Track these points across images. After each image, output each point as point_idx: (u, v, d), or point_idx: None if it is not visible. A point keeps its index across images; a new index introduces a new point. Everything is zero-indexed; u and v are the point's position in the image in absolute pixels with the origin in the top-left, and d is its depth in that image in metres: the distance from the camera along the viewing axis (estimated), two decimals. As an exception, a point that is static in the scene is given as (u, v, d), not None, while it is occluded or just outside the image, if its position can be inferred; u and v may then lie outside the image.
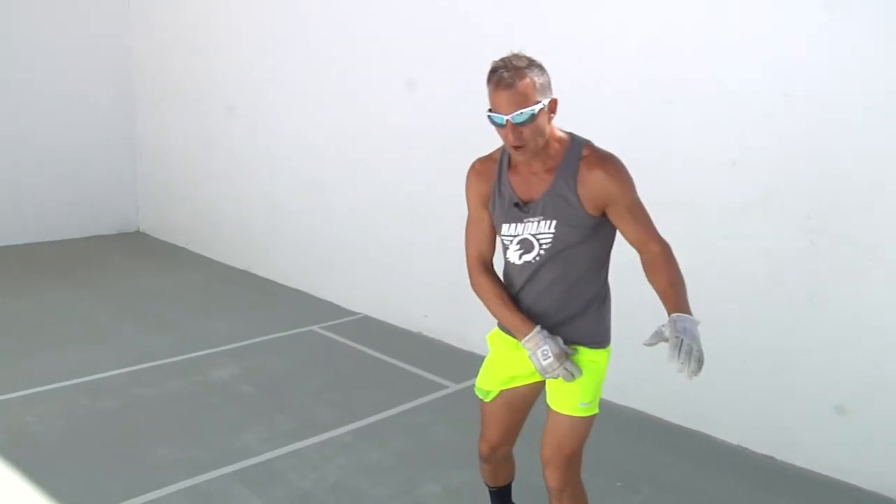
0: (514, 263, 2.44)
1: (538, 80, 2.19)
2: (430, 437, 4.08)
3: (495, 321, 2.60)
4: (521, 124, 2.18)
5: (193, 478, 3.55)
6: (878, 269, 3.47)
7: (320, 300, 6.58)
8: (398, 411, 4.37)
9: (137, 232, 9.40)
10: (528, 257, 2.40)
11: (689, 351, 2.00)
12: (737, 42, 3.80)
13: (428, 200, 5.51)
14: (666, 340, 2.06)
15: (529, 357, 2.36)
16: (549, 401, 2.52)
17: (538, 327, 2.37)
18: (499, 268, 2.57)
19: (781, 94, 3.65)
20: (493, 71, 2.20)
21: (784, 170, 3.70)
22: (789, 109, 3.64)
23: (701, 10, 3.92)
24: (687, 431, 4.19)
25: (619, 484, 3.61)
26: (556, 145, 2.32)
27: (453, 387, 4.74)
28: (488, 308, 2.52)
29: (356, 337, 5.66)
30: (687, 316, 2.12)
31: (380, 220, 5.99)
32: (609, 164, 2.30)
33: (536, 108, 2.17)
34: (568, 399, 2.45)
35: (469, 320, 5.12)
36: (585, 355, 2.45)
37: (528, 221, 2.36)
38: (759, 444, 3.96)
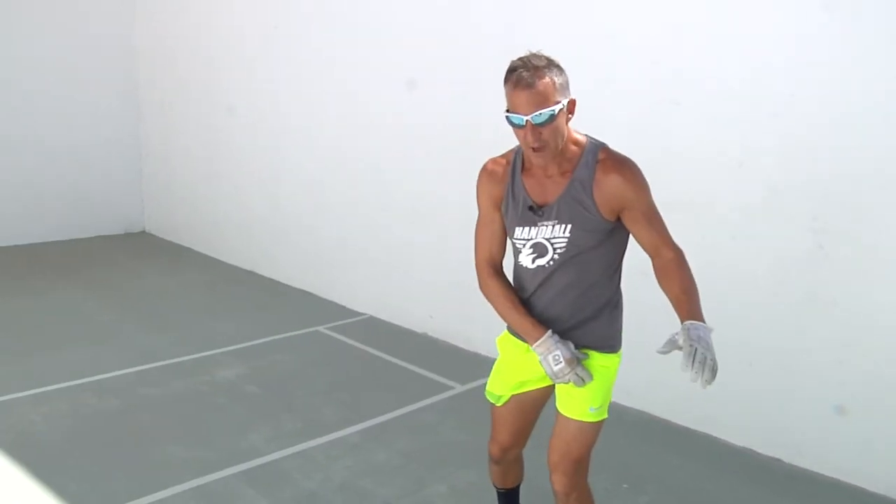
0: (526, 267, 2.42)
1: (557, 79, 2.15)
2: (436, 438, 4.09)
3: (503, 323, 2.58)
4: (541, 125, 2.14)
5: (199, 478, 3.56)
6: (883, 271, 3.46)
7: (325, 301, 6.58)
8: (404, 412, 4.37)
9: (143, 232, 9.41)
10: (542, 261, 2.37)
11: (702, 360, 1.98)
12: (743, 42, 3.80)
13: (431, 200, 5.52)
14: (680, 349, 2.04)
15: (540, 362, 2.34)
16: (558, 405, 2.51)
17: (549, 332, 2.34)
18: (507, 271, 2.56)
19: (788, 95, 3.65)
20: (512, 70, 2.16)
21: (790, 171, 3.70)
22: (796, 110, 3.63)
23: (705, 10, 3.92)
24: (693, 433, 4.19)
25: (625, 485, 3.61)
26: (574, 148, 2.29)
27: (459, 387, 4.74)
28: (498, 311, 2.49)
29: (362, 338, 5.66)
30: (700, 324, 2.10)
31: (384, 220, 5.99)
32: (626, 168, 2.28)
33: (556, 108, 2.14)
34: (577, 404, 2.43)
35: (474, 321, 5.13)
36: (596, 360, 2.44)
37: (542, 225, 2.33)
38: (765, 445, 3.95)
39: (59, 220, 8.61)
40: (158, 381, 4.71)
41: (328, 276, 6.63)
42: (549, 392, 2.60)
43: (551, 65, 2.16)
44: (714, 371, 1.98)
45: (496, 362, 2.67)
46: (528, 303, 2.47)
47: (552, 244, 2.34)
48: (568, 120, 2.24)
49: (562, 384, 2.44)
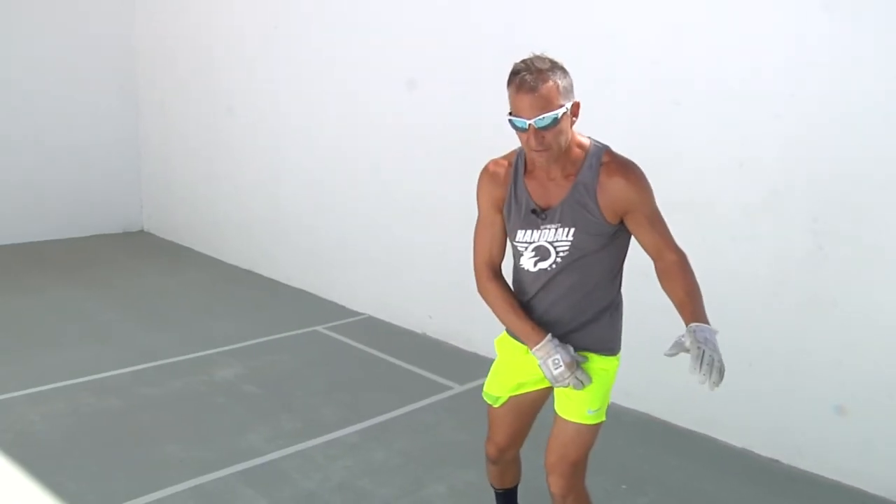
0: (528, 270, 2.40)
1: (561, 82, 2.13)
2: (435, 438, 4.08)
3: (502, 325, 2.57)
4: (544, 129, 2.13)
5: (198, 477, 3.55)
6: (884, 271, 3.46)
7: (324, 300, 6.58)
8: (403, 412, 4.36)
9: (141, 231, 9.40)
10: (544, 265, 2.36)
11: (710, 362, 1.97)
12: (743, 42, 3.79)
13: (430, 200, 5.51)
14: (686, 351, 2.03)
15: (540, 366, 2.33)
16: (556, 407, 2.50)
17: (549, 335, 2.33)
18: (506, 273, 2.55)
19: (788, 95, 3.65)
20: (515, 73, 2.14)
21: (790, 171, 3.70)
22: (796, 110, 3.63)
23: (705, 10, 3.92)
24: (692, 434, 4.18)
25: (623, 486, 3.61)
26: (577, 150, 2.28)
27: (458, 388, 4.73)
28: (497, 314, 2.48)
29: (361, 338, 5.66)
30: (706, 326, 2.09)
31: (380, 219, 5.99)
32: (630, 171, 2.27)
33: (559, 112, 2.12)
34: (575, 406, 2.42)
35: (473, 321, 5.12)
36: (596, 363, 2.43)
37: (545, 228, 2.32)
38: (764, 447, 3.95)
39: (57, 219, 8.60)
40: (157, 380, 4.70)
41: (327, 275, 6.63)
42: (546, 394, 2.59)
43: (555, 67, 2.14)
44: (721, 373, 1.97)
45: (494, 363, 2.66)
46: (528, 306, 2.45)
47: (555, 247, 2.33)
48: (572, 123, 2.22)
49: (559, 387, 2.44)
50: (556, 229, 2.31)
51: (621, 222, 2.30)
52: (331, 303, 6.50)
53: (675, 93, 4.06)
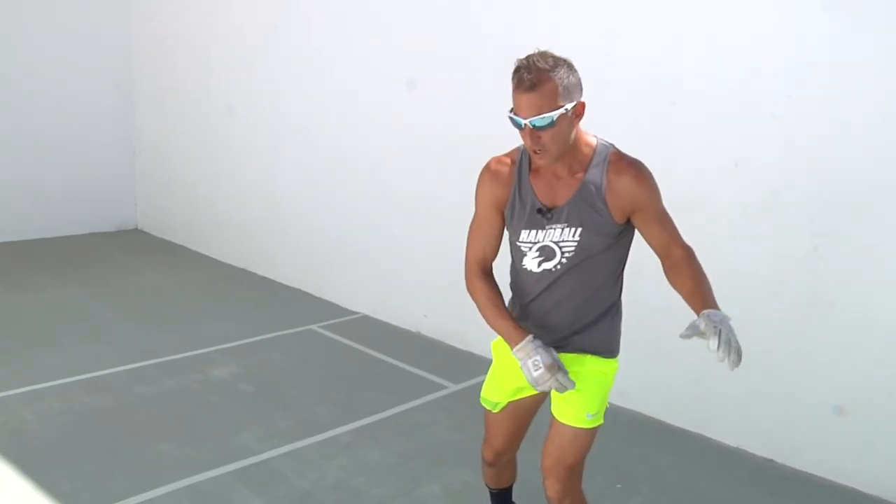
0: (530, 271, 2.35)
1: (563, 82, 2.07)
2: (429, 437, 4.07)
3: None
4: (540, 129, 2.09)
5: (193, 476, 3.54)
6: (882, 272, 3.46)
7: (319, 299, 6.56)
8: (398, 411, 4.36)
9: (136, 229, 9.37)
10: (549, 265, 2.32)
11: (728, 341, 1.93)
12: (743, 42, 3.79)
13: (428, 200, 5.50)
14: (701, 334, 1.98)
15: (521, 367, 2.25)
16: (553, 410, 2.48)
17: (530, 336, 2.26)
18: (502, 274, 2.53)
19: (786, 96, 3.65)
20: (516, 70, 2.09)
21: (788, 172, 3.70)
22: (795, 110, 3.63)
23: (705, 10, 3.91)
24: (687, 434, 4.18)
25: (618, 486, 3.61)
26: (585, 149, 2.24)
27: (453, 387, 4.73)
28: (481, 312, 2.42)
29: (356, 336, 5.64)
30: (719, 311, 2.05)
31: (379, 219, 5.98)
32: (638, 169, 2.24)
33: (556, 114, 2.07)
34: (574, 409, 2.40)
35: (469, 320, 5.07)
36: (595, 365, 2.41)
37: (551, 228, 2.28)
38: (759, 446, 3.95)
39: (51, 217, 8.55)
40: (152, 379, 4.68)
41: (324, 275, 6.61)
42: (544, 396, 2.56)
43: (558, 66, 2.08)
44: (740, 354, 1.93)
45: (491, 368, 2.63)
46: (529, 307, 2.42)
47: (560, 248, 2.29)
48: (575, 123, 2.17)
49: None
50: (563, 229, 2.27)
51: (627, 222, 2.28)
52: (326, 301, 6.49)
53: (674, 93, 4.05)
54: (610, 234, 2.27)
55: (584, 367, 2.41)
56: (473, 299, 2.45)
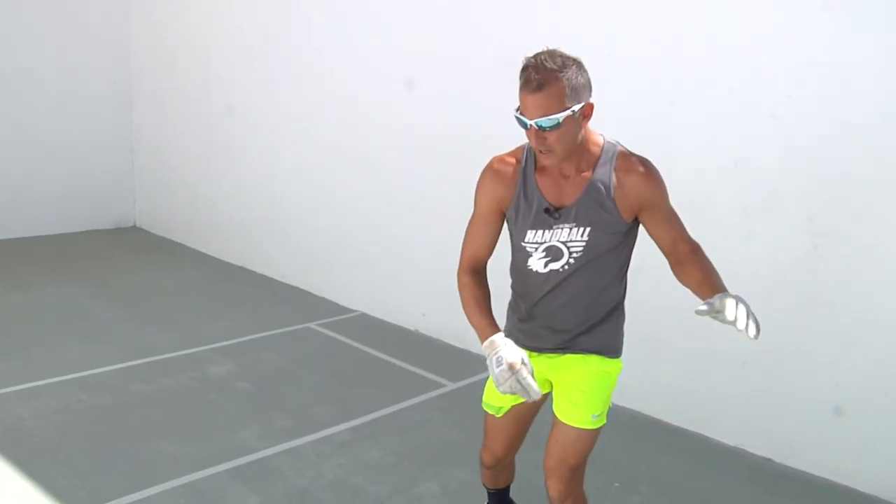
0: (536, 272, 2.32)
1: (572, 83, 2.03)
2: (427, 436, 4.07)
3: (500, 329, 2.48)
4: (546, 130, 2.06)
5: (190, 474, 3.53)
6: (881, 272, 3.46)
7: (317, 297, 6.56)
8: (396, 409, 4.35)
9: (134, 227, 9.36)
10: (556, 265, 2.29)
11: (746, 312, 1.87)
12: (740, 43, 3.79)
13: (427, 199, 5.50)
14: (717, 311, 1.90)
15: (487, 364, 2.16)
16: (555, 410, 2.46)
17: (501, 334, 2.19)
18: (499, 275, 2.50)
19: (786, 96, 3.65)
20: (524, 69, 2.05)
21: (787, 171, 3.70)
22: (794, 110, 3.63)
23: (705, 10, 3.91)
24: (686, 433, 4.18)
25: (616, 484, 3.61)
26: (593, 148, 2.22)
27: (451, 385, 4.72)
28: (463, 306, 2.37)
29: (353, 335, 5.64)
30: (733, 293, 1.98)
31: (378, 218, 5.97)
32: (646, 167, 2.23)
33: (562, 116, 2.03)
34: (577, 411, 2.38)
35: (466, 319, 5.10)
36: (599, 365, 2.39)
37: (558, 228, 2.24)
38: (758, 446, 3.95)
39: (49, 215, 8.53)
40: (149, 377, 4.67)
41: (321, 273, 6.60)
42: (545, 398, 2.52)
43: (566, 67, 2.04)
44: (758, 325, 1.87)
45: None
46: (534, 309, 2.39)
47: (568, 247, 2.26)
48: (583, 124, 2.14)
49: (559, 391, 2.41)
50: (571, 229, 2.24)
51: (634, 220, 2.26)
52: (324, 300, 6.48)
53: (674, 93, 4.05)
54: (618, 232, 2.25)
55: (589, 367, 2.39)
56: (459, 294, 2.40)
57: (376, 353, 5.28)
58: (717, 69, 3.87)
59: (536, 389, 2.07)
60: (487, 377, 2.51)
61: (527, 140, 2.21)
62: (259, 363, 5.02)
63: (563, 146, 2.11)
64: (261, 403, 4.38)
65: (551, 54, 2.06)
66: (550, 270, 2.31)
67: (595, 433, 2.43)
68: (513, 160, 2.33)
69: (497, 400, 2.55)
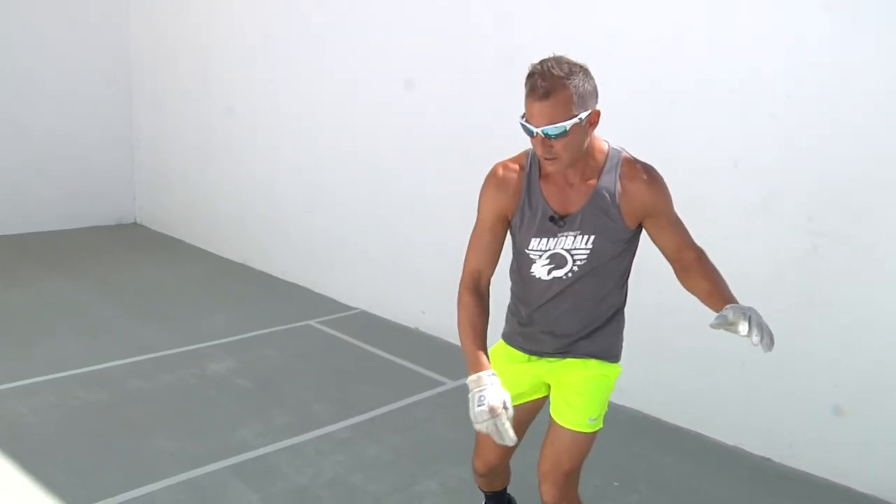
0: (539, 279, 2.30)
1: (578, 90, 2.01)
2: (427, 434, 4.07)
3: (497, 322, 2.47)
4: (553, 138, 2.03)
5: (189, 471, 3.53)
6: (880, 272, 3.46)
7: (317, 294, 6.56)
8: (395, 407, 4.35)
9: (134, 223, 9.36)
10: (559, 273, 2.27)
11: (759, 325, 1.90)
12: (740, 43, 3.79)
13: (427, 198, 5.50)
14: (731, 324, 1.93)
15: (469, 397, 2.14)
16: (552, 412, 2.44)
17: (490, 371, 2.16)
18: (499, 276, 2.49)
19: (786, 96, 3.65)
20: (530, 76, 2.02)
21: (787, 172, 3.70)
22: (794, 110, 3.63)
23: (705, 10, 3.91)
24: (685, 432, 4.18)
25: (615, 484, 3.61)
26: (598, 155, 2.20)
27: (450, 383, 4.72)
28: (458, 326, 2.34)
29: (353, 332, 5.64)
30: (743, 304, 2.01)
31: (378, 217, 5.98)
32: (651, 174, 2.21)
33: (569, 124, 2.01)
34: (574, 414, 2.37)
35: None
36: (598, 369, 2.39)
37: (563, 236, 2.23)
38: (757, 445, 3.95)
39: (49, 211, 8.54)
40: (149, 373, 4.67)
41: (321, 270, 6.61)
42: (542, 402, 2.53)
43: (573, 74, 2.02)
44: (772, 337, 1.91)
45: None
46: (535, 314, 2.37)
47: (572, 255, 2.25)
48: (589, 132, 2.12)
49: (557, 393, 2.40)
50: (575, 237, 2.22)
51: (637, 227, 2.25)
52: (324, 297, 6.48)
53: (674, 93, 4.05)
54: (622, 240, 2.24)
55: (588, 370, 2.39)
56: (457, 310, 2.35)
57: (376, 351, 5.28)
58: (717, 69, 3.87)
59: (512, 436, 2.06)
60: None
61: (530, 146, 2.19)
62: (259, 360, 5.02)
63: (569, 154, 2.09)
64: (260, 400, 4.38)
65: (558, 61, 2.03)
66: (554, 278, 2.29)
67: (591, 437, 2.41)
68: (516, 167, 2.30)
69: None
